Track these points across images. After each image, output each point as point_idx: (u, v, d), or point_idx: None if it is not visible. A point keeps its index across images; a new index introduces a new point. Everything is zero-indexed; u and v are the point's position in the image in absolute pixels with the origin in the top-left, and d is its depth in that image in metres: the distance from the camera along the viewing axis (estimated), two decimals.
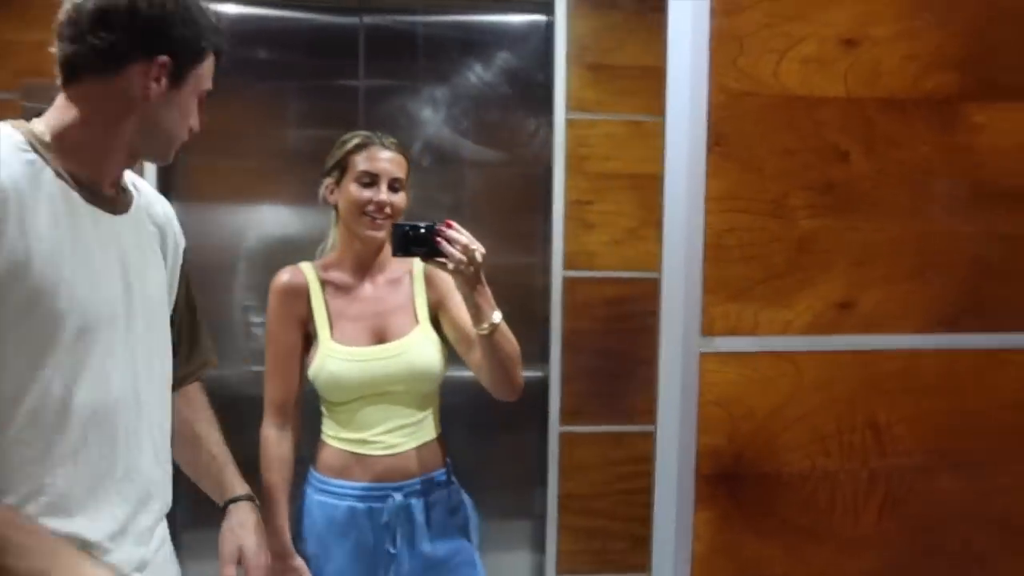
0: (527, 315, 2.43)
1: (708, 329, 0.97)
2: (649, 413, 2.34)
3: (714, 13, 0.99)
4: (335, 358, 1.54)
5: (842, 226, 0.97)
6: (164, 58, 1.00)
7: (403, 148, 1.60)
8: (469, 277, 1.37)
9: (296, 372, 1.57)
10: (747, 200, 0.95)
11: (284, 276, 1.58)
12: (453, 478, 1.67)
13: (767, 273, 0.95)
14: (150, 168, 2.17)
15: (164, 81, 1.01)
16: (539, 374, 2.43)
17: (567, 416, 2.37)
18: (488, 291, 1.42)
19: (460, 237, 1.36)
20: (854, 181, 0.97)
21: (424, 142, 2.37)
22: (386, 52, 2.35)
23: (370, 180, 1.55)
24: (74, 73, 0.99)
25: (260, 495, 1.41)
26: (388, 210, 1.55)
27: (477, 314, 1.41)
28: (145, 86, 1.00)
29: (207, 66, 1.08)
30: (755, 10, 0.97)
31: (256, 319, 2.34)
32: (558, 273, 2.33)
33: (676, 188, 0.97)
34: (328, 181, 1.58)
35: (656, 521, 0.98)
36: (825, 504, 1.01)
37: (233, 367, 2.35)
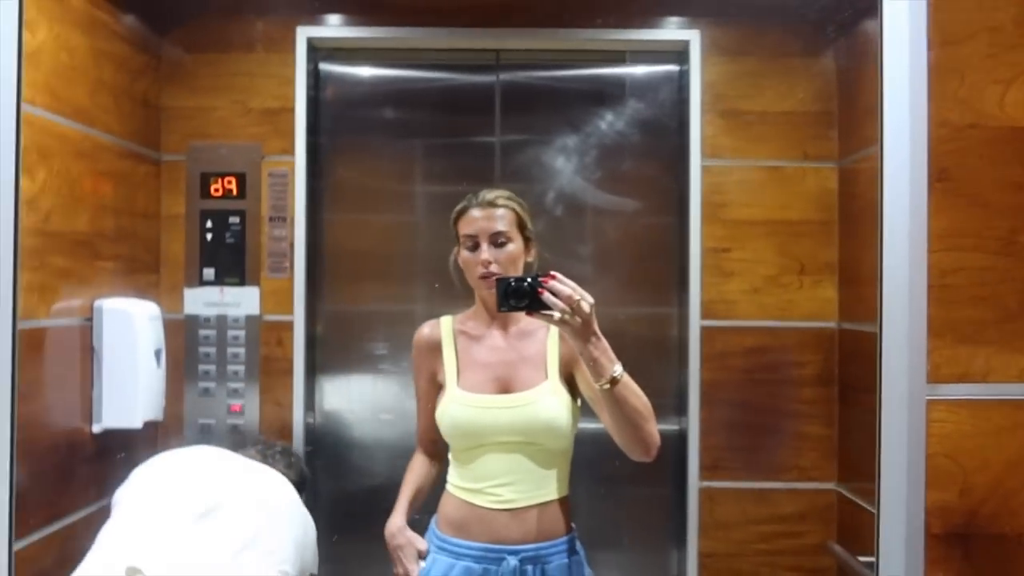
0: (663, 367, 2.38)
1: (935, 376, 0.91)
2: (795, 469, 2.25)
3: (931, 44, 0.95)
4: (457, 403, 1.57)
5: None
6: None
7: (508, 199, 1.62)
8: (578, 329, 1.35)
9: (432, 416, 1.66)
10: (974, 237, 0.89)
11: (423, 330, 1.72)
12: (578, 548, 1.62)
13: (999, 315, 0.88)
14: (300, 221, 2.26)
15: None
16: (675, 427, 2.36)
17: (707, 471, 2.28)
18: (604, 343, 1.39)
19: (563, 288, 1.34)
20: None
21: (558, 193, 2.38)
22: (521, 107, 2.39)
23: (472, 243, 1.60)
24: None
25: None
26: (494, 267, 1.56)
27: (594, 368, 1.39)
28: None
29: None
30: (976, 40, 0.93)
31: (392, 369, 2.37)
32: (695, 323, 2.27)
33: (896, 226, 0.92)
34: (456, 249, 1.67)
35: None
36: None
37: (372, 418, 2.38)
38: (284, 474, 1.76)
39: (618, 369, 1.39)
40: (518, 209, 1.62)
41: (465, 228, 1.61)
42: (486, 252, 1.58)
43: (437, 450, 1.73)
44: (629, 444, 1.48)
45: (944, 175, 0.92)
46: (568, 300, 1.33)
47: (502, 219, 1.59)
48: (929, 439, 0.92)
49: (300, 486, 1.82)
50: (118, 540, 1.48)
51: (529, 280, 1.36)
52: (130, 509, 1.56)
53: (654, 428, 1.46)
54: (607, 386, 1.39)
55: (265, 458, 1.86)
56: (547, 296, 1.34)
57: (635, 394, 1.42)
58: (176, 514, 1.51)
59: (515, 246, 1.59)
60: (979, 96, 0.94)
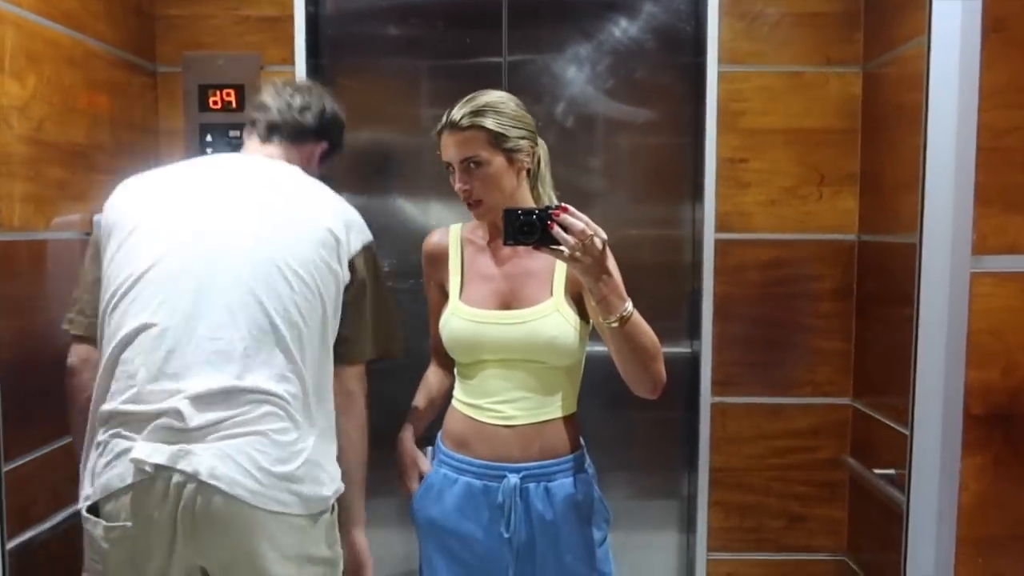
0: (676, 286, 2.33)
1: (981, 246, 0.85)
2: (809, 384, 2.21)
3: None
4: (457, 317, 1.54)
5: None
6: (325, 144, 1.65)
7: (475, 116, 1.48)
8: (589, 267, 1.28)
9: None
10: None
11: (431, 238, 1.67)
12: (587, 467, 1.59)
13: None
14: None
15: (317, 158, 1.65)
16: (687, 351, 2.32)
17: (719, 387, 2.25)
18: (615, 281, 1.32)
19: (575, 223, 1.27)
20: None
21: (569, 105, 2.30)
22: (530, 21, 2.28)
23: (449, 168, 1.54)
24: (286, 134, 1.58)
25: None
26: (471, 193, 1.50)
27: (604, 306, 1.32)
28: (312, 157, 1.63)
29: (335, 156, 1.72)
30: None
31: (399, 285, 2.32)
32: (710, 236, 2.21)
33: (944, 82, 0.84)
34: None
35: (915, 468, 0.86)
36: None
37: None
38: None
39: (628, 308, 1.33)
40: (489, 124, 1.48)
41: (442, 154, 1.54)
42: (459, 180, 1.51)
43: (450, 361, 1.68)
44: (634, 381, 1.43)
45: (1000, 25, 0.84)
46: (580, 235, 1.26)
47: (470, 142, 1.48)
48: (972, 314, 0.87)
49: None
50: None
51: (538, 212, 1.28)
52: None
53: (661, 367, 1.41)
54: (615, 324, 1.33)
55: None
56: (557, 231, 1.27)
57: (644, 332, 1.37)
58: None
59: (492, 167, 1.49)
60: None
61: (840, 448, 2.24)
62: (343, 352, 1.47)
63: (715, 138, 2.19)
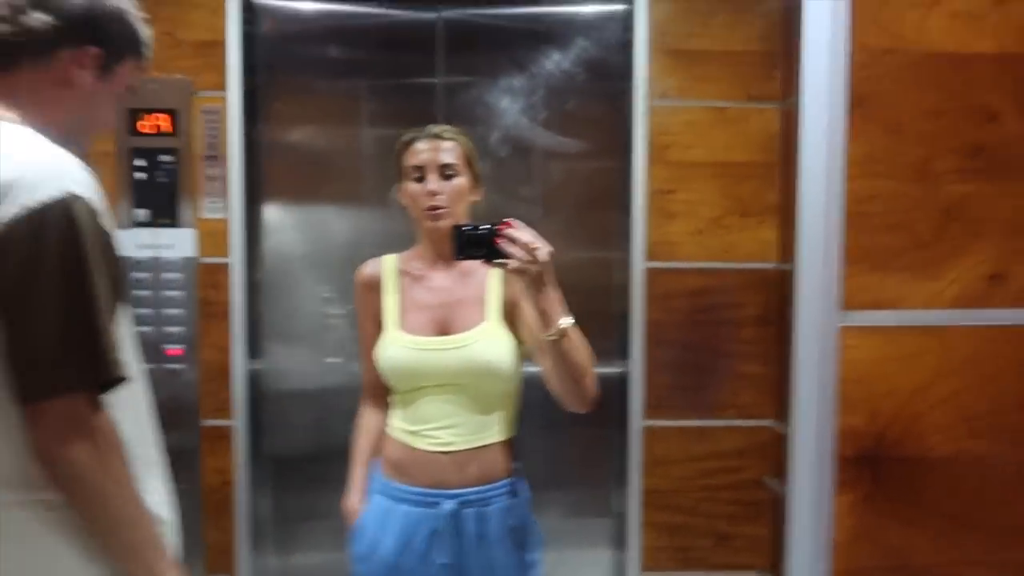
0: (607, 308, 2.39)
1: (849, 302, 0.91)
2: (733, 407, 2.29)
3: None
4: (396, 345, 1.55)
5: (993, 192, 0.91)
6: (95, 49, 1.05)
7: (456, 134, 1.59)
8: (534, 278, 1.32)
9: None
10: (889, 164, 0.89)
11: (364, 269, 1.66)
12: (520, 491, 1.62)
13: (912, 242, 0.89)
14: (236, 164, 2.20)
15: (91, 72, 1.06)
16: (619, 370, 2.38)
17: (650, 410, 2.31)
18: (557, 294, 1.37)
19: (521, 236, 1.32)
20: (1006, 144, 0.91)
21: (503, 134, 2.35)
22: (464, 46, 2.33)
23: (419, 174, 1.56)
24: (12, 53, 1.03)
25: None
26: (441, 199, 1.53)
27: (544, 319, 1.36)
28: (70, 74, 1.04)
29: (130, 67, 1.12)
30: None
31: (336, 311, 2.35)
32: (639, 264, 2.28)
33: (814, 152, 0.91)
34: (397, 186, 1.61)
35: (793, 505, 0.92)
36: (975, 490, 0.94)
37: (314, 360, 2.36)
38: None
39: (567, 321, 1.38)
40: (466, 144, 1.58)
41: (411, 160, 1.57)
42: (433, 183, 1.54)
43: (381, 398, 1.67)
44: (567, 395, 1.46)
45: (863, 101, 0.91)
46: (526, 247, 1.31)
47: (450, 151, 1.55)
48: (843, 365, 0.93)
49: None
50: None
51: (486, 228, 1.32)
52: None
53: (593, 382, 1.45)
54: (555, 338, 1.37)
55: None
56: (504, 244, 1.31)
57: (580, 347, 1.41)
58: None
59: (462, 180, 1.56)
60: (899, 20, 0.93)
61: (763, 469, 2.32)
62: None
63: (644, 169, 2.26)
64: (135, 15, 1.10)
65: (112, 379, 0.98)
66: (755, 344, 2.30)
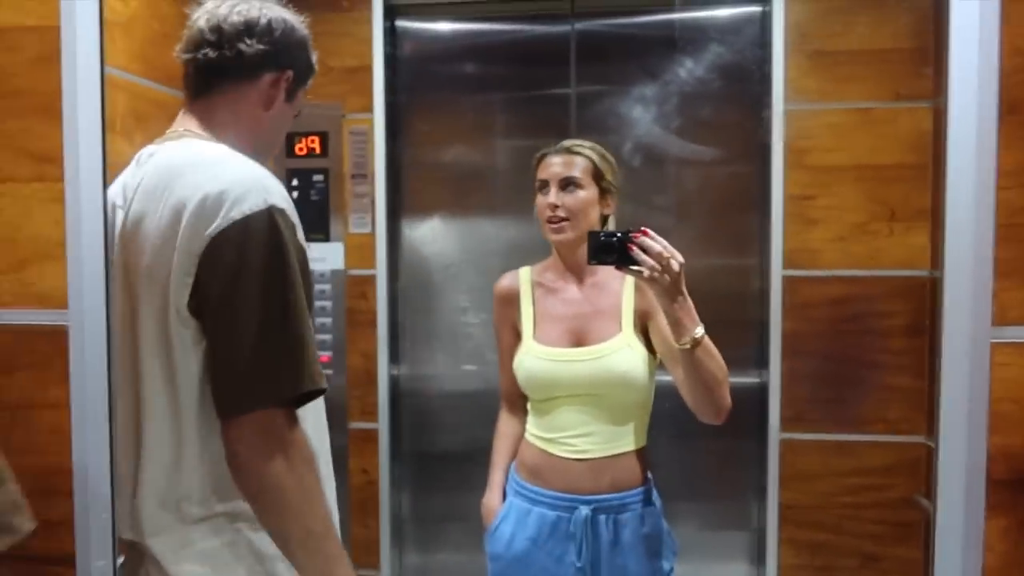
0: (745, 318, 2.34)
1: (1000, 318, 0.87)
2: (881, 422, 2.19)
3: None
4: (532, 355, 1.59)
5: None
6: (290, 72, 1.13)
7: (586, 148, 1.62)
8: (666, 287, 1.34)
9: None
10: None
11: (502, 282, 1.73)
12: (654, 500, 1.63)
13: None
14: (381, 181, 2.32)
15: (283, 95, 1.13)
16: (756, 380, 2.33)
17: (788, 422, 2.24)
18: (690, 304, 1.38)
19: (654, 245, 1.33)
20: None
21: (636, 143, 2.36)
22: (597, 57, 2.36)
23: (544, 187, 1.60)
24: (217, 76, 1.10)
25: None
26: (561, 212, 1.57)
27: (677, 328, 1.38)
28: (273, 96, 1.12)
29: (304, 90, 1.19)
30: None
31: (472, 320, 2.43)
32: (777, 272, 2.22)
33: (962, 162, 0.88)
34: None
35: (940, 530, 0.89)
36: None
37: (453, 367, 2.45)
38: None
39: (700, 331, 1.39)
40: (595, 158, 1.61)
41: (540, 173, 1.64)
42: (553, 196, 1.59)
43: (522, 404, 1.73)
44: (700, 406, 1.48)
45: (1016, 108, 0.87)
46: (658, 257, 1.33)
47: (575, 165, 1.59)
48: (993, 383, 0.89)
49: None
50: None
51: (619, 235, 1.36)
52: None
53: (727, 392, 1.45)
54: (688, 346, 1.38)
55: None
56: (636, 252, 1.34)
57: (713, 357, 1.42)
58: None
59: (586, 193, 1.59)
60: None
61: (914, 487, 2.20)
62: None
63: (782, 175, 2.20)
64: (311, 43, 1.18)
65: (310, 391, 0.97)
66: (905, 355, 2.19)
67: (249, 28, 1.09)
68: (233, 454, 0.94)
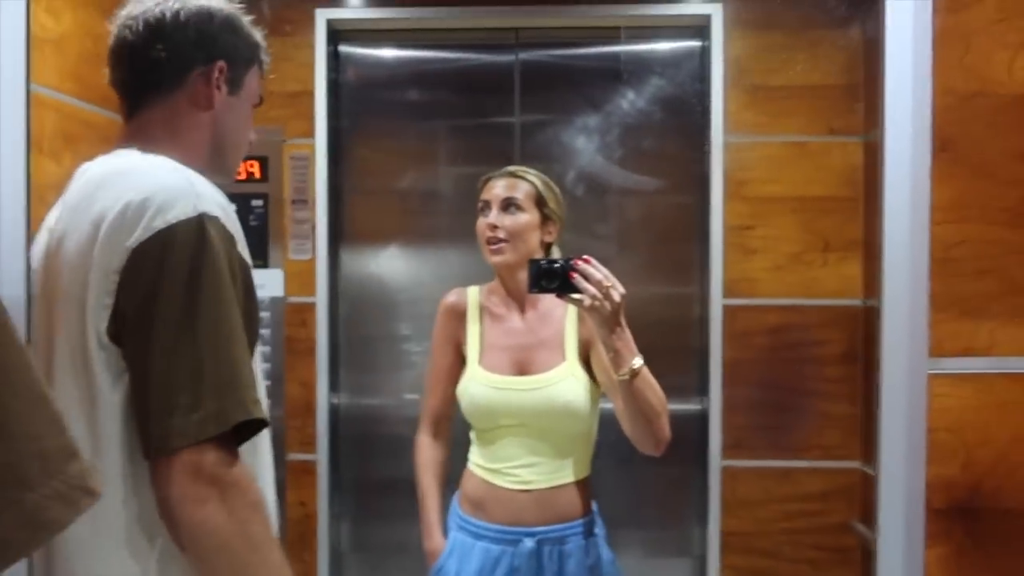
0: (685, 346, 2.37)
1: (937, 350, 0.89)
2: (817, 448, 2.23)
3: (937, 10, 0.92)
4: (476, 382, 1.58)
5: None
6: (221, 63, 1.02)
7: (531, 174, 1.62)
8: (606, 317, 1.34)
9: (450, 388, 1.65)
10: (979, 209, 0.87)
11: (449, 297, 1.69)
12: (597, 530, 1.62)
13: (1004, 288, 0.87)
14: (322, 207, 2.28)
15: (224, 88, 1.02)
16: (697, 407, 2.35)
17: (729, 450, 2.27)
18: (628, 334, 1.38)
19: (595, 273, 1.34)
20: None
21: (579, 172, 2.38)
22: (541, 86, 2.38)
23: (485, 207, 1.61)
24: (140, 92, 1.01)
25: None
26: (500, 233, 1.56)
27: (615, 358, 1.38)
28: (209, 94, 1.01)
29: (256, 74, 1.09)
30: (984, 5, 0.90)
31: (415, 348, 2.40)
32: (717, 301, 2.26)
33: (898, 198, 0.90)
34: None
35: (881, 558, 0.90)
36: None
37: (394, 396, 2.41)
38: None
39: (638, 362, 1.39)
40: (538, 184, 1.61)
41: (483, 195, 1.63)
42: (494, 216, 1.58)
43: (445, 429, 1.69)
44: (639, 437, 1.47)
45: (948, 145, 0.90)
46: (599, 285, 1.33)
47: (518, 188, 1.59)
48: (931, 413, 0.91)
49: None
50: None
51: (561, 262, 1.35)
52: None
53: (665, 424, 1.45)
54: (626, 377, 1.38)
55: None
56: (578, 280, 1.34)
57: (652, 388, 1.42)
58: None
59: (527, 217, 1.58)
60: (986, 63, 0.92)
61: (850, 513, 2.24)
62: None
63: (721, 205, 2.25)
64: (245, 21, 1.07)
65: (247, 422, 0.86)
66: (839, 383, 2.24)
67: (157, 31, 0.99)
68: (162, 499, 0.83)
